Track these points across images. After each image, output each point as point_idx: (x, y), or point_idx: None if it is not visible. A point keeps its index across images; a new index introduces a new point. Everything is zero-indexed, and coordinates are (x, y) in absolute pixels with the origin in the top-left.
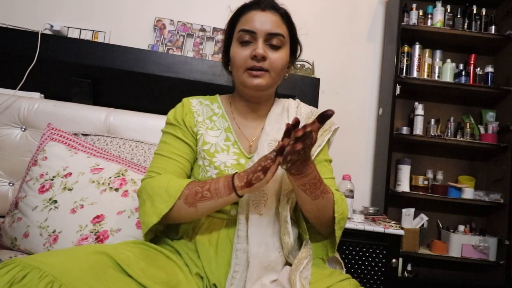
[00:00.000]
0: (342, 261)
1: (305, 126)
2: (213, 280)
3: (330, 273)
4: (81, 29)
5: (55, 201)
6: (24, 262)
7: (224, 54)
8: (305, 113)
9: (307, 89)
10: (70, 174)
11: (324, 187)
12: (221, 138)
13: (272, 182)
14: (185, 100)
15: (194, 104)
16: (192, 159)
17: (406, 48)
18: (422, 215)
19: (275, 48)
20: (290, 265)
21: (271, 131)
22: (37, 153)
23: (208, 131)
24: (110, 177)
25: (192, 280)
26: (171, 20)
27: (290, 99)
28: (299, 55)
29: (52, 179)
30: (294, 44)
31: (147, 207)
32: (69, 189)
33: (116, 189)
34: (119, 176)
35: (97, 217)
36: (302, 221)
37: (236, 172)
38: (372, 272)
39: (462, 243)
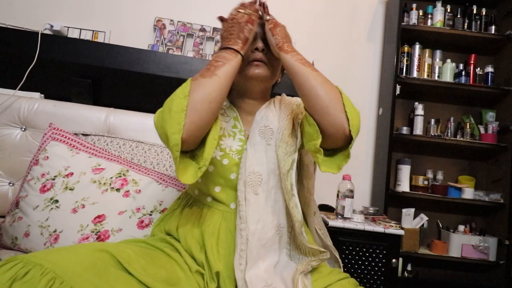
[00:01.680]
0: (340, 260)
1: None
2: (216, 268)
3: (330, 272)
4: (81, 29)
5: (56, 201)
6: (26, 259)
7: None
8: (288, 101)
9: None
10: (72, 174)
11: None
12: (230, 125)
13: (266, 163)
14: None
15: None
16: None
17: (406, 48)
18: (422, 215)
19: None
20: (289, 250)
21: (261, 119)
22: (38, 153)
23: (219, 116)
24: (111, 177)
25: (192, 278)
26: (171, 20)
27: (277, 96)
28: None
29: (54, 179)
30: None
31: (169, 103)
32: (71, 189)
33: (118, 189)
34: (120, 176)
35: (98, 217)
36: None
37: (224, 46)
38: (372, 272)
39: (462, 243)
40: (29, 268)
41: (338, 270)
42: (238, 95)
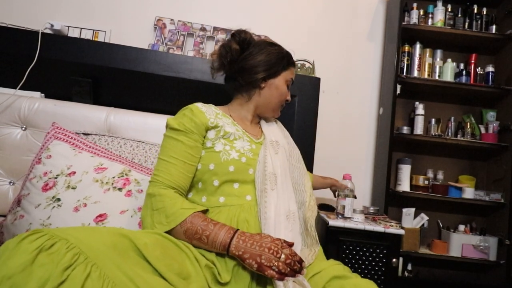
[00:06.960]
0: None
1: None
2: (234, 261)
3: (324, 259)
4: (81, 28)
5: (59, 199)
6: (52, 232)
7: (265, 73)
8: (283, 128)
9: (307, 88)
10: (74, 172)
11: None
12: (233, 129)
13: (280, 167)
14: (190, 105)
15: (200, 106)
16: (195, 162)
17: (406, 48)
18: (422, 214)
19: None
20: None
21: (269, 133)
22: (41, 152)
23: (225, 123)
24: (113, 177)
25: (201, 273)
26: (172, 20)
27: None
28: None
29: (56, 178)
30: None
31: (149, 220)
32: (73, 188)
33: (120, 189)
34: (122, 176)
35: (100, 216)
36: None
37: (239, 232)
38: (372, 272)
39: (462, 243)
40: (55, 241)
41: (332, 259)
42: (241, 106)
